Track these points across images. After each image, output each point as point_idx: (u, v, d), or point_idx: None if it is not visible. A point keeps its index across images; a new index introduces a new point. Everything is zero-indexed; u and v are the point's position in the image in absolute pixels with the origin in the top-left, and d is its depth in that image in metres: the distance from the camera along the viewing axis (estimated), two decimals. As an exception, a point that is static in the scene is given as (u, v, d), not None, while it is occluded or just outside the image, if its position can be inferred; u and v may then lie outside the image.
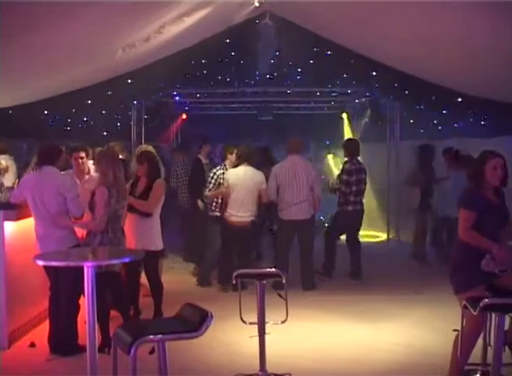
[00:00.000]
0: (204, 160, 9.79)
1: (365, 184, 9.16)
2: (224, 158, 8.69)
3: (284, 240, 8.44)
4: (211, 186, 8.39)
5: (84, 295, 4.49)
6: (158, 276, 7.08)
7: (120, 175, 5.93)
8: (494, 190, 4.75)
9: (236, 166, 8.34)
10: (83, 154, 7.13)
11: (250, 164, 8.30)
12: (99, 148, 7.55)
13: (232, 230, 8.21)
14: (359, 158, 9.22)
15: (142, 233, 6.67)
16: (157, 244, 6.84)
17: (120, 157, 8.06)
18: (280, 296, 5.01)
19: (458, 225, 4.75)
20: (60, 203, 5.80)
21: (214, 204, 8.48)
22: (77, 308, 5.87)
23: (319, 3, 7.99)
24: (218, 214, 8.42)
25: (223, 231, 8.35)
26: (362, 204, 9.06)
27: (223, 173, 8.37)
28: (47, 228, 5.76)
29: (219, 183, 8.35)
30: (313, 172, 8.51)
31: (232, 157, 8.47)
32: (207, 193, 8.45)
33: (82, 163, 7.10)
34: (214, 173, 8.42)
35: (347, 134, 14.99)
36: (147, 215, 6.72)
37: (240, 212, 8.17)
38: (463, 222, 4.68)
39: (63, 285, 5.76)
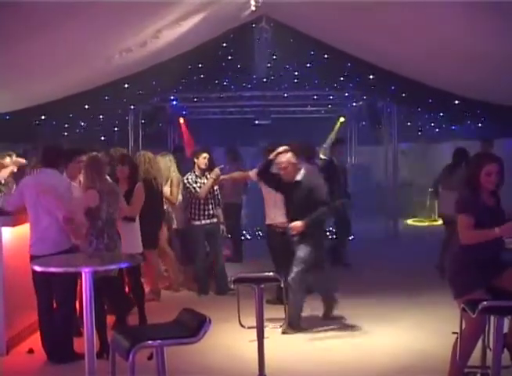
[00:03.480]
0: (337, 162, 9.82)
1: None
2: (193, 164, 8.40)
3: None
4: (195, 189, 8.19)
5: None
6: (140, 279, 7.05)
7: (106, 179, 5.93)
8: (489, 192, 4.74)
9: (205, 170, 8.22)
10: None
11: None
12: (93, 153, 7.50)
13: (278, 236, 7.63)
14: None
15: (126, 237, 6.58)
16: (139, 247, 6.83)
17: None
18: (279, 300, 5.01)
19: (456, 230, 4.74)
20: (61, 207, 5.73)
21: (193, 211, 8.29)
22: (73, 314, 5.85)
23: (315, 7, 8.00)
24: (198, 223, 8.26)
25: (270, 240, 7.92)
26: None
27: (196, 177, 8.25)
28: (44, 231, 5.71)
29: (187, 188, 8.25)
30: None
31: (198, 162, 8.28)
32: (199, 190, 8.17)
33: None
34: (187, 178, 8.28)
35: (333, 136, 15.04)
36: (131, 219, 6.66)
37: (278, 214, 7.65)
38: (463, 228, 4.64)
39: (58, 291, 5.74)
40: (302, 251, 6.58)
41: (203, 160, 8.31)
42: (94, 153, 6.29)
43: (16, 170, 9.07)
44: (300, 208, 6.57)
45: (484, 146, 9.88)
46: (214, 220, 8.39)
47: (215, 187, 8.41)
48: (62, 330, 5.75)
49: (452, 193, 8.43)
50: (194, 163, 8.39)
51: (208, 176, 8.28)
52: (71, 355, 5.70)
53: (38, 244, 5.72)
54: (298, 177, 6.69)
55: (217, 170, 8.25)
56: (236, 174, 8.50)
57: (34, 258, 5.42)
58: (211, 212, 8.33)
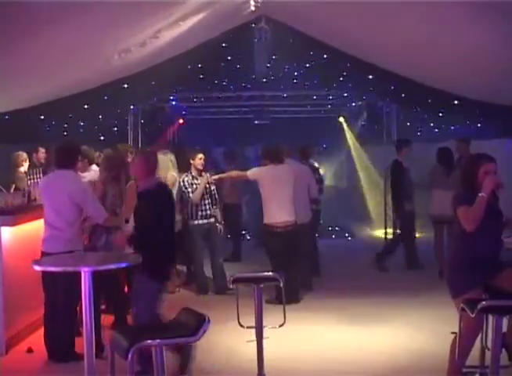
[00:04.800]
0: (405, 164, 9.68)
1: None
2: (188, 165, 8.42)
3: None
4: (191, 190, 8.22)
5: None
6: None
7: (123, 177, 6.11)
8: None
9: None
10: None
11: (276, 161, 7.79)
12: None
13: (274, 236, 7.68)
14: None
15: None
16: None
17: None
18: (277, 300, 5.00)
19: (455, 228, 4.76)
20: (75, 211, 5.72)
21: (191, 212, 8.32)
22: (76, 315, 5.86)
23: (314, 6, 8.01)
24: (195, 223, 8.31)
25: (266, 240, 7.92)
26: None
27: (192, 178, 8.30)
28: (57, 230, 5.69)
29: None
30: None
31: (195, 163, 8.32)
32: (192, 196, 8.19)
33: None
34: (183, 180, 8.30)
35: (349, 137, 15.08)
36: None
37: (279, 214, 7.67)
38: (464, 218, 4.66)
39: (62, 290, 5.73)
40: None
41: (199, 160, 8.34)
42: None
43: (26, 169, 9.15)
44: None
45: (460, 146, 9.55)
46: (212, 220, 8.41)
47: (212, 187, 8.43)
48: (64, 329, 5.75)
49: (446, 193, 8.55)
50: (190, 164, 8.42)
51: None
52: (71, 354, 5.70)
53: (50, 240, 5.71)
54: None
55: (206, 176, 8.29)
56: (234, 173, 8.58)
57: (44, 255, 5.47)
58: (209, 212, 8.35)
